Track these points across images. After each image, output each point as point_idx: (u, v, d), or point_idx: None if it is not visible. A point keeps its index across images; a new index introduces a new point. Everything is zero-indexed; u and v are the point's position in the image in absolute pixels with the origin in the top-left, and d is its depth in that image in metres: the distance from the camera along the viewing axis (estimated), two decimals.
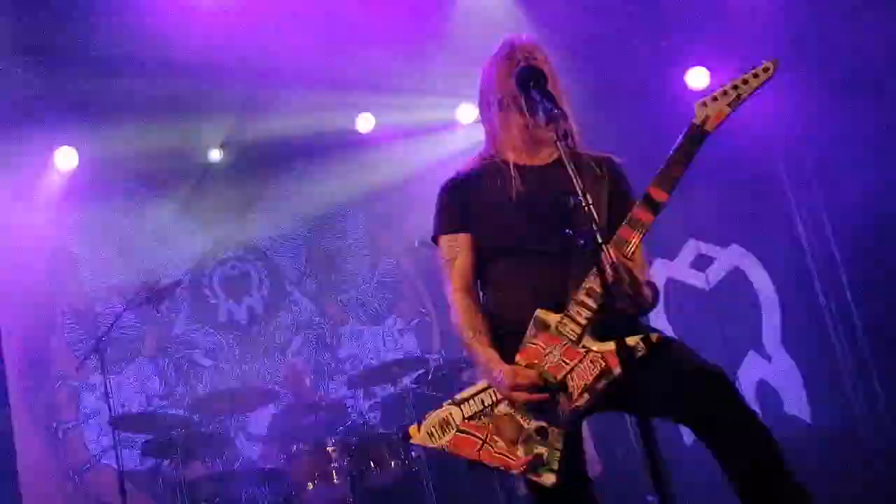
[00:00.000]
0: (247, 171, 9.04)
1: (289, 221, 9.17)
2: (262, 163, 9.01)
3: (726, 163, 7.87)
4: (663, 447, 2.59)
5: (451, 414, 3.12)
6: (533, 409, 2.99)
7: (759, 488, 2.81)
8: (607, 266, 2.70)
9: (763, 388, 7.62)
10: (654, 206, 2.93)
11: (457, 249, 3.27)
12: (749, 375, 7.62)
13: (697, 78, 7.99)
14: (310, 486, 6.40)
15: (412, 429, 3.19)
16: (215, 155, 8.75)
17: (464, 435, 3.08)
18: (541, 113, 2.93)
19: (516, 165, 3.22)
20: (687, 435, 6.81)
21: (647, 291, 2.97)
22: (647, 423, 2.56)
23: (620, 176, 3.30)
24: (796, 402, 7.68)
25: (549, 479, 2.95)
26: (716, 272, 7.98)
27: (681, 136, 2.96)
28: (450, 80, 7.70)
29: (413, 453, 6.60)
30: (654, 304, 3.07)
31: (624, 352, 2.69)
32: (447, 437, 3.10)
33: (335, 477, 6.40)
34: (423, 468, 6.57)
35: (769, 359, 7.77)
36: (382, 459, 6.53)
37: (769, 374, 7.72)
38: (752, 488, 2.82)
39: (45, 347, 8.30)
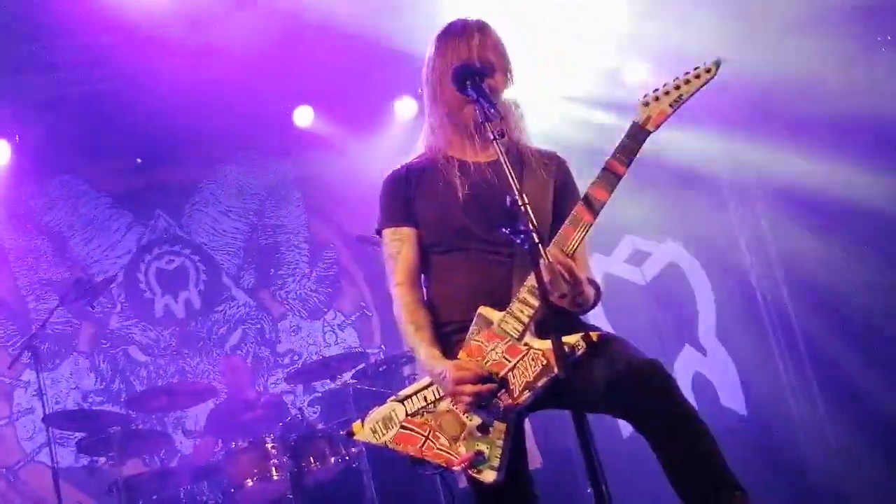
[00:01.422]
0: (183, 164, 8.94)
1: (226, 215, 9.09)
2: (199, 155, 8.91)
3: (662, 158, 7.98)
4: (601, 440, 2.62)
5: (394, 411, 3.13)
6: (474, 406, 2.99)
7: (694, 480, 2.83)
8: (543, 266, 2.70)
9: (699, 380, 7.73)
10: (595, 206, 2.94)
11: (400, 243, 3.25)
12: (685, 368, 7.73)
13: None
14: (249, 482, 6.35)
15: (356, 425, 3.20)
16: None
17: (406, 432, 3.09)
18: (477, 111, 2.91)
19: (460, 161, 3.21)
20: (624, 428, 6.89)
21: (587, 290, 2.97)
22: (582, 418, 2.58)
23: (566, 173, 3.31)
24: (731, 395, 7.81)
25: (489, 476, 2.96)
26: (651, 267, 8.07)
27: (623, 136, 2.97)
28: (390, 72, 7.71)
29: (353, 449, 6.58)
30: (595, 303, 3.08)
31: (563, 350, 2.68)
32: (390, 434, 3.11)
33: (275, 473, 6.37)
34: (362, 463, 6.57)
35: (704, 352, 7.89)
36: (322, 455, 6.51)
37: (705, 366, 7.83)
38: (687, 480, 2.84)
39: None
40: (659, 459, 2.89)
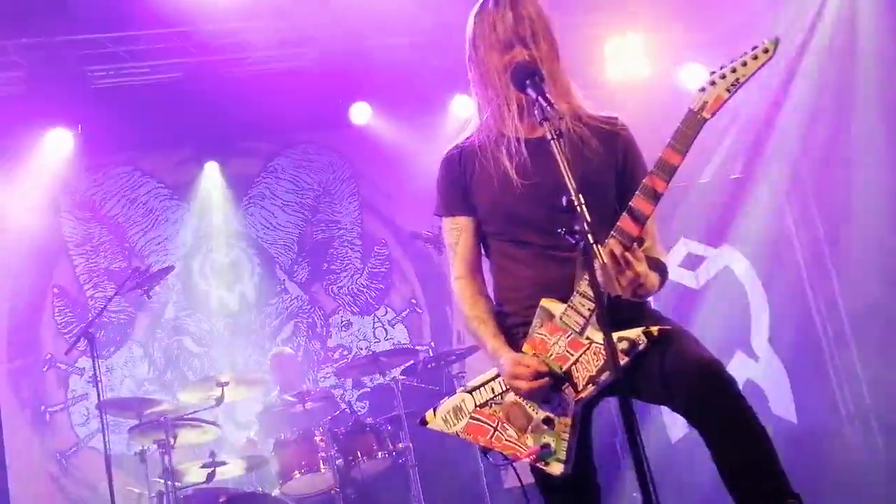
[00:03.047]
0: (240, 157, 9.04)
1: (281, 209, 9.16)
2: (256, 149, 9.00)
3: (718, 161, 7.93)
4: (650, 444, 2.60)
5: (463, 401, 3.16)
6: (541, 399, 3.00)
7: (749, 483, 2.80)
8: (599, 268, 2.66)
9: (750, 387, 7.62)
10: (653, 196, 2.84)
11: (458, 233, 3.24)
12: (737, 374, 7.51)
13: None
14: (297, 474, 6.41)
15: (429, 414, 3.23)
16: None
17: (476, 422, 3.12)
18: (536, 111, 2.82)
19: (512, 140, 3.13)
20: (672, 430, 6.84)
21: (649, 281, 2.89)
22: (633, 424, 2.53)
23: (628, 139, 3.21)
24: (783, 403, 7.70)
25: (556, 468, 2.96)
26: (706, 271, 7.99)
27: (679, 124, 2.84)
28: (445, 69, 7.73)
29: (400, 444, 6.61)
30: (661, 286, 3.03)
31: (616, 355, 2.62)
32: (461, 424, 3.14)
33: (322, 466, 6.42)
34: (409, 459, 6.59)
35: (756, 358, 7.80)
36: (370, 449, 6.55)
37: (757, 373, 7.73)
38: (741, 482, 2.82)
39: (34, 330, 8.29)
40: (714, 459, 2.86)
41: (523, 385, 2.96)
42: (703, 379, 2.85)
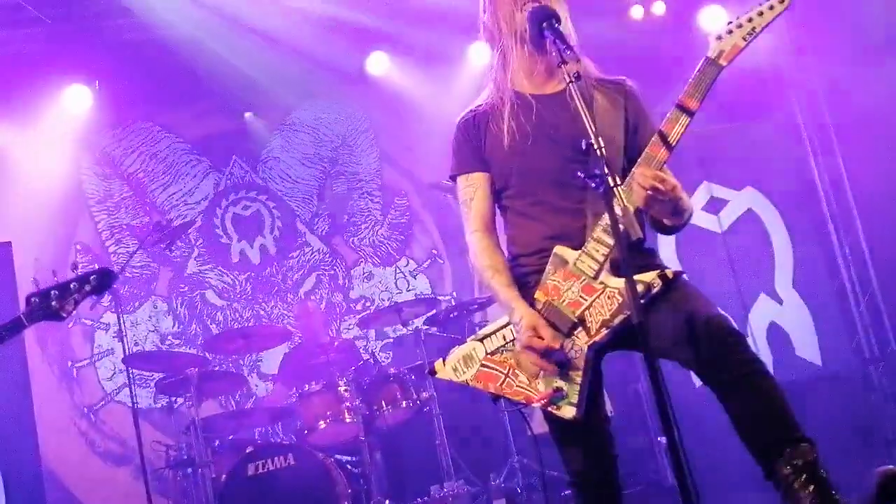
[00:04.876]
0: (259, 110, 9.02)
1: (301, 162, 9.15)
2: (274, 102, 8.96)
3: (741, 105, 7.83)
4: (673, 389, 2.61)
5: (474, 349, 3.18)
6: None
7: (759, 431, 2.82)
8: (618, 207, 2.68)
9: (774, 331, 7.61)
10: (668, 143, 2.92)
11: (472, 189, 3.27)
12: (761, 318, 7.61)
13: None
14: (322, 424, 6.45)
15: (438, 364, 3.26)
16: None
17: (487, 370, 3.14)
18: (554, 54, 2.91)
19: (526, 97, 3.20)
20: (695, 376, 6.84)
21: (685, 196, 2.99)
22: (655, 365, 2.57)
23: (636, 100, 3.26)
24: (808, 346, 7.68)
25: (569, 412, 2.98)
26: (728, 215, 7.94)
27: (695, 71, 2.93)
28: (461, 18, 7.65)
29: (424, 393, 6.64)
30: (688, 219, 3.09)
31: (637, 294, 2.66)
32: (471, 372, 3.16)
33: (347, 416, 6.46)
34: (433, 408, 6.62)
35: (781, 302, 7.76)
36: (394, 399, 6.58)
37: (781, 317, 7.71)
38: (751, 431, 2.83)
39: None
40: (726, 411, 2.88)
41: (532, 358, 3.00)
42: (712, 336, 2.86)
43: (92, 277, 4.38)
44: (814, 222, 8.24)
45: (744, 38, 2.90)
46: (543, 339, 2.99)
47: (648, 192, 2.85)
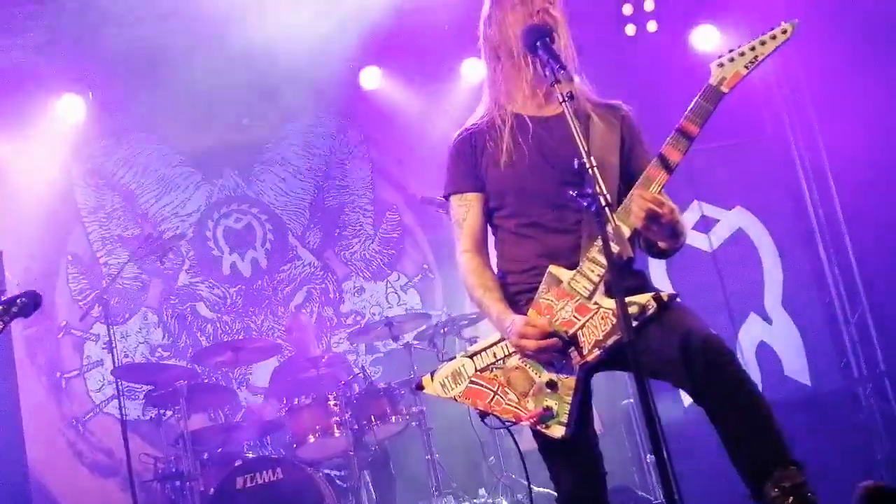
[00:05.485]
0: (252, 123, 9.01)
1: (293, 175, 9.15)
2: (267, 115, 8.96)
3: (732, 124, 7.85)
4: (662, 408, 2.62)
5: (463, 366, 3.17)
6: (544, 363, 3.02)
7: (748, 453, 2.82)
8: (610, 231, 2.68)
9: (764, 350, 7.64)
10: (668, 167, 2.94)
11: (465, 209, 3.28)
12: (750, 337, 7.64)
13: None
14: (311, 438, 6.45)
15: (425, 379, 3.24)
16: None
17: (476, 387, 3.13)
18: (547, 73, 2.92)
19: (522, 118, 3.21)
20: (686, 396, 6.85)
21: (683, 220, 2.99)
22: (644, 383, 2.58)
23: (632, 125, 3.28)
24: (796, 365, 7.71)
25: (557, 431, 2.99)
26: (719, 234, 7.97)
27: (696, 97, 2.96)
28: (455, 33, 7.67)
29: (414, 408, 6.64)
30: (684, 240, 3.09)
31: (627, 314, 2.64)
32: (459, 389, 3.16)
33: (336, 430, 6.45)
34: (423, 423, 6.61)
35: (770, 321, 7.79)
36: (383, 413, 6.57)
37: (770, 336, 7.73)
38: (741, 452, 2.84)
39: (49, 297, 8.32)
40: (717, 431, 2.89)
41: (531, 344, 2.98)
42: (704, 355, 2.86)
43: (19, 300, 4.39)
44: (803, 242, 8.27)
45: (746, 67, 2.94)
46: (537, 326, 2.99)
47: (646, 213, 2.85)
